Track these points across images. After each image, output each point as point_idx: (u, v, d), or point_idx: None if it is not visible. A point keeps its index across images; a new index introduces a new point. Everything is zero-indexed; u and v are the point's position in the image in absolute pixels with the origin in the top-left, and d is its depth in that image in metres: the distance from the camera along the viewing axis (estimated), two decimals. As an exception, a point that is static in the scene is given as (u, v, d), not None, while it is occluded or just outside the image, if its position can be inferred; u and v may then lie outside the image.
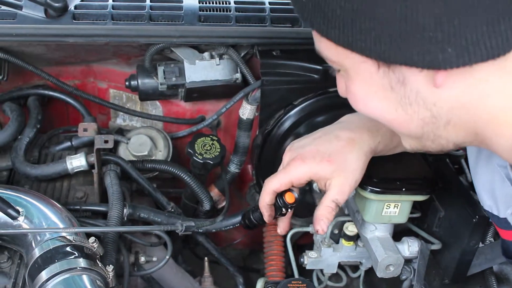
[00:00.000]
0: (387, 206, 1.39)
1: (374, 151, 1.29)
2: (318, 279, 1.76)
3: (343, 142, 1.26)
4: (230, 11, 1.66)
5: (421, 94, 0.90)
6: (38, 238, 1.21)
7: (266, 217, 1.36)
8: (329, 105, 1.68)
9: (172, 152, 1.77)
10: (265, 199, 1.32)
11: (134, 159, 1.69)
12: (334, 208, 1.27)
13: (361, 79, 0.95)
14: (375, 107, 0.97)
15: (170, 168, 1.66)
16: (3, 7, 1.55)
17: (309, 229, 1.60)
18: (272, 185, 1.30)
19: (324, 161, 1.24)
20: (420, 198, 1.40)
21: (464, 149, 1.41)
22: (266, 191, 1.31)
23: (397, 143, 1.32)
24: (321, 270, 1.69)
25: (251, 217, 1.43)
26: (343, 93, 1.05)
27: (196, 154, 1.63)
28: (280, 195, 1.31)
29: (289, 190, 1.31)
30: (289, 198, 1.29)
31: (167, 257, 1.47)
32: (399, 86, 0.90)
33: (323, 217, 1.27)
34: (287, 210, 1.33)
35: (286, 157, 1.32)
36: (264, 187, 1.31)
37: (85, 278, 1.14)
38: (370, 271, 1.61)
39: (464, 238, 1.39)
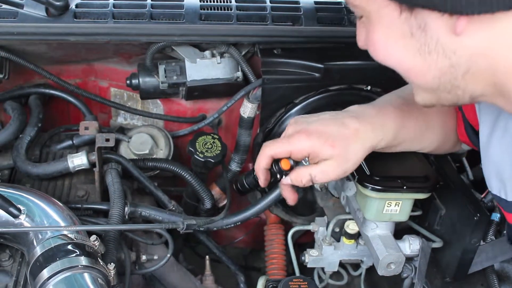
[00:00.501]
0: (388, 204, 1.39)
1: (374, 148, 1.29)
2: (319, 277, 1.77)
3: (349, 131, 1.26)
4: (231, 10, 1.66)
5: (441, 42, 0.90)
6: (40, 236, 1.21)
7: (261, 181, 1.34)
8: (330, 104, 1.68)
9: (173, 150, 1.77)
10: (262, 163, 1.30)
11: (135, 157, 1.70)
12: (304, 182, 1.27)
13: (383, 25, 0.95)
14: (395, 54, 0.96)
15: (171, 167, 1.66)
16: (5, 6, 1.55)
17: (310, 227, 1.60)
18: (271, 150, 1.29)
19: (328, 143, 1.24)
20: (421, 196, 1.40)
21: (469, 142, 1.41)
22: (263, 155, 1.30)
23: (399, 142, 1.32)
24: (322, 269, 1.69)
25: (244, 181, 1.44)
26: (362, 43, 1.04)
27: (197, 153, 1.63)
28: (276, 161, 1.30)
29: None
30: (285, 164, 1.28)
31: (168, 255, 1.47)
32: (419, 32, 0.90)
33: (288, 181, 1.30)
34: (281, 177, 1.31)
35: (291, 128, 1.30)
36: (262, 150, 1.30)
37: (86, 276, 1.14)
38: (371, 269, 1.61)
39: (465, 236, 1.39)
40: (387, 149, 1.33)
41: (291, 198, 1.38)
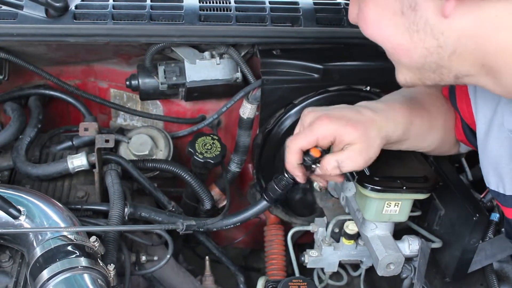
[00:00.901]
0: (387, 204, 1.39)
1: (389, 140, 1.28)
2: (319, 277, 1.77)
3: (366, 118, 1.26)
4: (230, 11, 1.66)
5: (429, 22, 0.91)
6: (40, 237, 1.21)
7: (300, 178, 1.30)
8: (329, 104, 1.65)
9: (172, 151, 1.77)
10: (293, 159, 1.26)
11: (135, 158, 1.70)
12: (332, 168, 1.24)
13: (375, 2, 0.97)
14: (384, 31, 0.98)
15: (170, 168, 1.66)
16: (4, 7, 1.55)
17: (309, 228, 1.60)
18: (298, 143, 1.25)
19: (350, 125, 1.22)
20: (420, 196, 1.40)
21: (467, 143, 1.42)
22: (292, 151, 1.26)
23: (406, 137, 1.32)
24: (322, 269, 1.69)
25: (277, 187, 1.37)
26: (353, 18, 1.06)
27: (197, 154, 1.64)
28: (306, 153, 1.26)
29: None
30: (315, 152, 1.24)
31: (168, 256, 1.48)
32: (409, 11, 0.92)
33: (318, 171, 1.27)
34: (316, 166, 1.27)
35: (309, 117, 1.28)
36: (288, 148, 1.27)
37: (86, 277, 1.14)
38: (371, 270, 1.61)
39: (465, 236, 1.40)
40: (395, 144, 1.32)
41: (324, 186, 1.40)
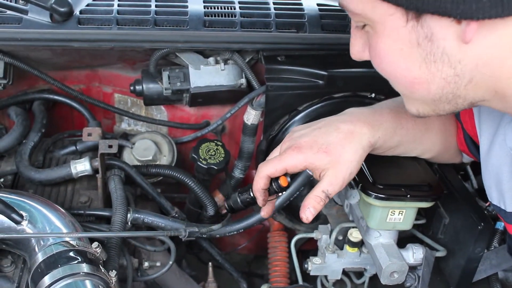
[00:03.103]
0: (391, 212, 1.38)
1: (373, 146, 1.28)
2: (322, 285, 1.76)
3: (342, 134, 1.25)
4: (235, 16, 1.66)
5: (446, 51, 0.89)
6: (42, 242, 1.21)
7: (260, 202, 1.31)
8: (334, 111, 1.66)
9: (176, 157, 1.77)
10: (260, 184, 1.27)
11: (138, 163, 1.69)
12: (323, 198, 1.24)
13: (387, 34, 0.93)
14: (400, 65, 0.95)
15: (174, 173, 1.65)
16: (9, 12, 1.56)
17: (313, 235, 1.60)
18: (267, 170, 1.26)
19: (321, 151, 1.23)
20: (425, 204, 1.39)
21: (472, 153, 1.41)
22: (260, 175, 1.27)
23: (397, 142, 1.31)
24: (325, 276, 1.68)
25: (238, 200, 1.38)
26: (356, 53, 1.04)
27: (201, 159, 1.63)
28: (275, 179, 1.28)
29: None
30: (283, 181, 1.27)
31: (171, 262, 1.47)
32: (426, 42, 0.90)
33: (310, 206, 1.23)
34: (281, 193, 1.32)
35: (284, 145, 1.30)
36: (258, 172, 1.28)
37: (88, 283, 1.14)
38: (375, 278, 1.60)
39: (469, 245, 1.38)
40: (386, 150, 1.32)
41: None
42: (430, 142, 1.37)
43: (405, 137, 1.32)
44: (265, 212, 1.39)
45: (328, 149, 1.23)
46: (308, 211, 1.24)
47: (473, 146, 1.33)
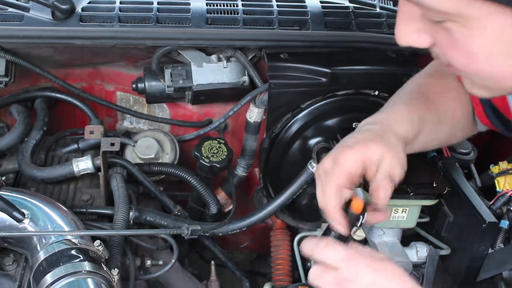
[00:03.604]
0: (395, 210, 1.38)
1: (407, 140, 1.21)
2: (326, 284, 1.75)
3: (376, 131, 1.18)
4: (237, 14, 1.65)
5: None
6: (43, 241, 1.21)
7: (342, 229, 1.12)
8: (337, 109, 1.67)
9: (179, 155, 1.77)
10: (334, 203, 1.11)
11: (140, 162, 1.69)
12: (390, 181, 1.13)
13: (488, 33, 0.85)
14: (498, 63, 0.88)
15: (176, 171, 1.65)
16: (10, 9, 1.55)
17: (316, 233, 1.59)
18: (333, 183, 1.11)
19: (370, 142, 1.13)
20: (428, 202, 1.38)
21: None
22: (329, 204, 1.11)
23: (418, 133, 1.26)
24: (329, 275, 1.67)
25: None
26: (407, 35, 0.93)
27: (203, 157, 1.63)
28: (346, 208, 1.10)
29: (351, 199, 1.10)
30: (356, 206, 1.07)
31: (173, 260, 1.47)
32: None
33: (381, 188, 1.12)
34: (363, 219, 1.09)
35: (327, 160, 1.16)
36: (324, 204, 1.13)
37: (90, 281, 1.14)
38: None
39: (473, 243, 1.38)
40: (411, 144, 1.25)
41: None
42: (444, 130, 1.33)
43: (423, 127, 1.26)
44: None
45: (374, 140, 1.14)
46: (381, 193, 1.12)
47: (498, 120, 1.27)
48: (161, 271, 1.48)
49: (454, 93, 1.33)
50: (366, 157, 1.13)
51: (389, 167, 1.14)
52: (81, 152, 1.72)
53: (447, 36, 0.89)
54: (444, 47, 0.92)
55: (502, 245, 1.45)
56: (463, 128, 1.39)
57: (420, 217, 1.44)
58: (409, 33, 0.93)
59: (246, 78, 1.70)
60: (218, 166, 1.63)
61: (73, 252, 1.17)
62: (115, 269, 1.21)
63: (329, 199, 1.12)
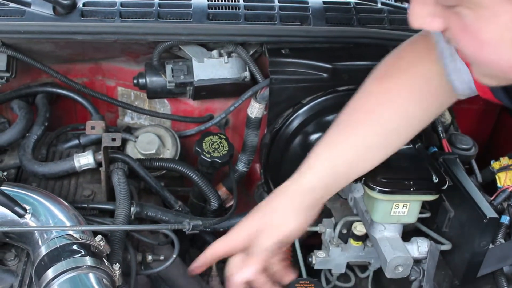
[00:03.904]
0: (395, 206, 1.38)
1: (321, 187, 1.27)
2: (327, 279, 1.76)
3: (272, 200, 1.28)
4: (239, 9, 1.65)
5: None
6: (45, 236, 1.21)
7: None
8: (338, 104, 1.66)
9: (180, 150, 1.77)
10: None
11: (142, 157, 1.69)
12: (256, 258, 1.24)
13: (498, 21, 0.83)
14: (506, 52, 0.87)
15: (178, 167, 1.65)
16: (12, 4, 1.55)
17: (317, 228, 1.59)
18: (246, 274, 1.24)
19: (253, 214, 1.27)
20: (429, 198, 1.38)
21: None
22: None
23: (349, 166, 1.30)
24: (330, 270, 1.68)
25: None
26: (420, 18, 0.91)
27: (204, 153, 1.63)
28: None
29: None
30: None
31: (174, 256, 1.47)
32: None
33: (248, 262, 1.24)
34: None
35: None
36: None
37: (91, 276, 1.14)
38: (379, 272, 1.60)
39: (474, 239, 1.38)
40: (345, 178, 1.31)
41: None
42: (404, 128, 1.31)
43: (356, 155, 1.30)
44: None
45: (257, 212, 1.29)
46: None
47: (504, 94, 1.21)
48: (162, 266, 1.48)
49: (408, 89, 1.31)
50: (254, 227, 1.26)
51: (264, 244, 1.23)
52: (82, 148, 1.72)
53: (459, 22, 0.87)
54: (455, 32, 0.90)
55: (502, 241, 1.45)
56: (427, 112, 1.34)
57: (421, 213, 1.44)
58: (423, 16, 0.91)
59: (247, 73, 1.70)
60: (219, 161, 1.63)
61: (74, 247, 1.17)
62: (117, 264, 1.21)
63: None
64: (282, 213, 1.25)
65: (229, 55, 1.71)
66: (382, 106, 1.30)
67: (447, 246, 1.47)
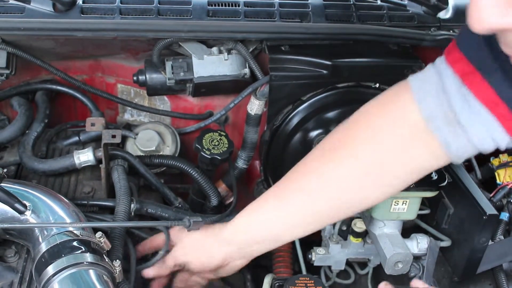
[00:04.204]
0: (395, 202, 1.38)
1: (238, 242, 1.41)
2: (326, 275, 1.76)
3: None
4: (239, 6, 1.65)
5: None
6: (45, 232, 1.21)
7: None
8: (338, 101, 1.67)
9: (179, 147, 1.77)
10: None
11: (141, 154, 1.69)
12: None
13: None
14: None
15: (177, 164, 1.65)
16: (12, 1, 1.55)
17: (317, 225, 1.59)
18: None
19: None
20: (428, 194, 1.39)
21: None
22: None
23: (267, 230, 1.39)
24: (329, 267, 1.68)
25: None
26: (491, 15, 0.75)
27: (204, 150, 1.63)
28: None
29: None
30: None
31: (162, 252, 1.46)
32: None
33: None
34: None
35: None
36: None
37: (91, 273, 1.14)
38: (379, 268, 1.60)
39: (474, 235, 1.38)
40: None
41: None
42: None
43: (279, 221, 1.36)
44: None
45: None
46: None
47: None
48: (150, 262, 1.48)
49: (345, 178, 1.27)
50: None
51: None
52: (82, 145, 1.72)
53: None
54: None
55: (502, 237, 1.45)
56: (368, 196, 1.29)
57: (420, 209, 1.45)
58: (493, 15, 0.75)
59: (247, 70, 1.70)
60: (219, 158, 1.63)
61: (75, 243, 1.17)
62: (117, 260, 1.21)
63: None
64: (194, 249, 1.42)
65: (229, 52, 1.71)
66: (317, 190, 1.29)
67: (446, 243, 1.48)
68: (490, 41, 1.02)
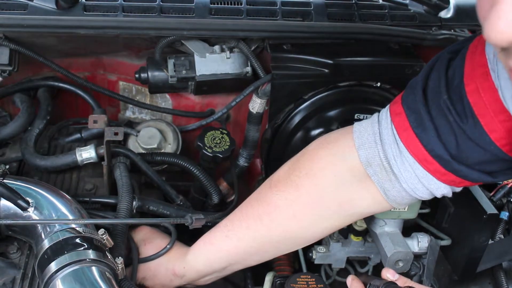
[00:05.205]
0: (396, 201, 1.38)
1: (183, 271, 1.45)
2: (326, 274, 1.76)
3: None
4: (241, 4, 1.65)
5: None
6: (48, 229, 1.21)
7: None
8: (339, 100, 1.67)
9: (181, 145, 1.77)
10: None
11: (143, 151, 1.69)
12: None
13: None
14: None
15: (179, 161, 1.65)
16: (15, -2, 1.55)
17: (318, 223, 1.60)
18: None
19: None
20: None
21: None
22: None
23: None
24: (330, 265, 1.68)
25: None
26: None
27: (206, 147, 1.63)
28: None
29: None
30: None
31: (169, 246, 1.47)
32: None
33: None
34: None
35: None
36: None
37: (94, 270, 1.14)
38: (379, 267, 1.60)
39: (474, 234, 1.39)
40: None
41: None
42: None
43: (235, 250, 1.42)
44: None
45: None
46: None
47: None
48: (155, 255, 1.49)
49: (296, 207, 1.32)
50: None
51: None
52: (84, 142, 1.72)
53: None
54: None
55: (502, 236, 1.46)
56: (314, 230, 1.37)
57: (421, 208, 1.45)
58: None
59: (249, 68, 1.71)
60: (221, 156, 1.64)
61: (77, 240, 1.18)
62: (119, 257, 1.22)
63: None
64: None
65: (231, 50, 1.71)
66: (267, 218, 1.35)
67: (447, 242, 1.48)
68: (428, 99, 1.09)
